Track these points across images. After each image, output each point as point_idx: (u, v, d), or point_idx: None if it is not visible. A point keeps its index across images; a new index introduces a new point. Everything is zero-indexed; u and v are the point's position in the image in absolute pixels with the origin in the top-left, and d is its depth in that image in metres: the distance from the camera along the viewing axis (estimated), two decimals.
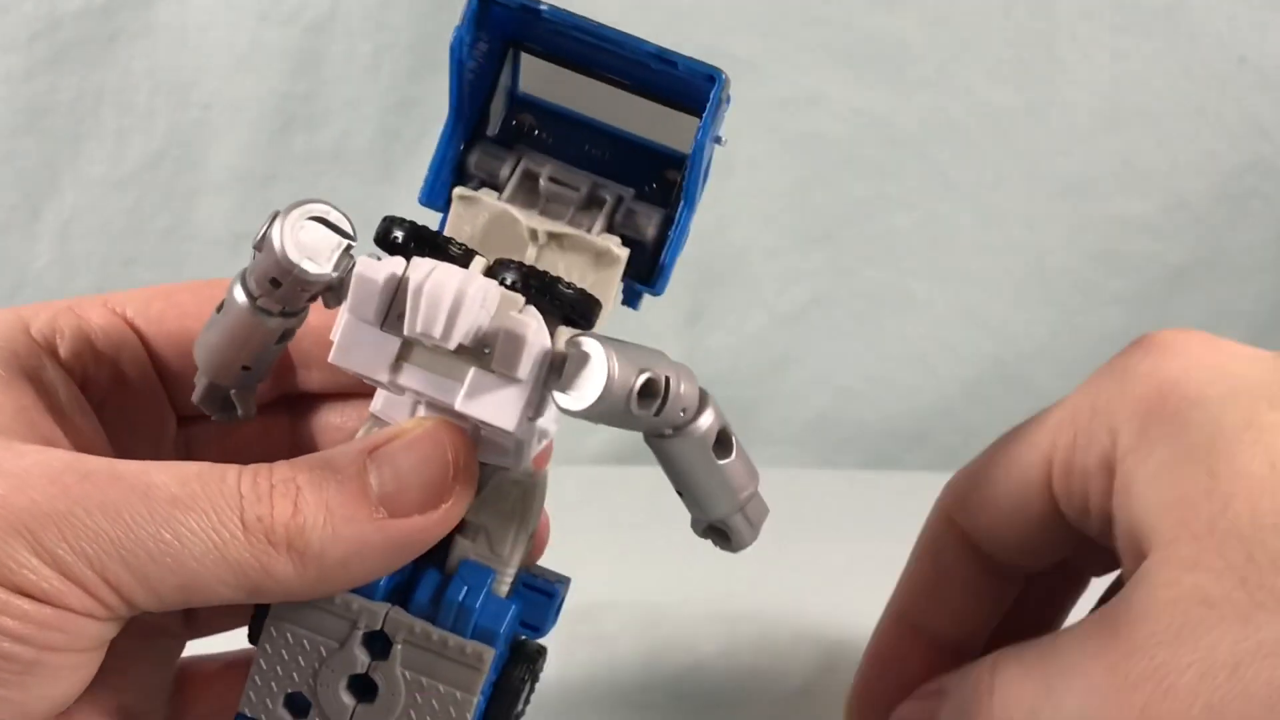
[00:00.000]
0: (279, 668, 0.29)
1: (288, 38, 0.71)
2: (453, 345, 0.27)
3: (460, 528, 0.30)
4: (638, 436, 0.30)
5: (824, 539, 0.59)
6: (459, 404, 0.28)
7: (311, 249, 0.28)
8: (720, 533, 0.32)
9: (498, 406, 0.28)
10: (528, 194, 0.31)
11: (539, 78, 0.32)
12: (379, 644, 0.29)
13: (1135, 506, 0.32)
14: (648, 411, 0.28)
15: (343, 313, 0.28)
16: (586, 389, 0.27)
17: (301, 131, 0.72)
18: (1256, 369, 0.33)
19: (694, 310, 0.72)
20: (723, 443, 0.30)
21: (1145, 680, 0.29)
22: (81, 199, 0.71)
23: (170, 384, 0.35)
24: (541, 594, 0.32)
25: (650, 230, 0.31)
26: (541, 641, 0.32)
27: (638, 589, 0.53)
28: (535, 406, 0.28)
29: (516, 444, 0.30)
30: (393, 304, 0.28)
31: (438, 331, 0.27)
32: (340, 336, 0.28)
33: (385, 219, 0.28)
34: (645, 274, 0.32)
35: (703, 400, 0.29)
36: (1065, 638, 0.32)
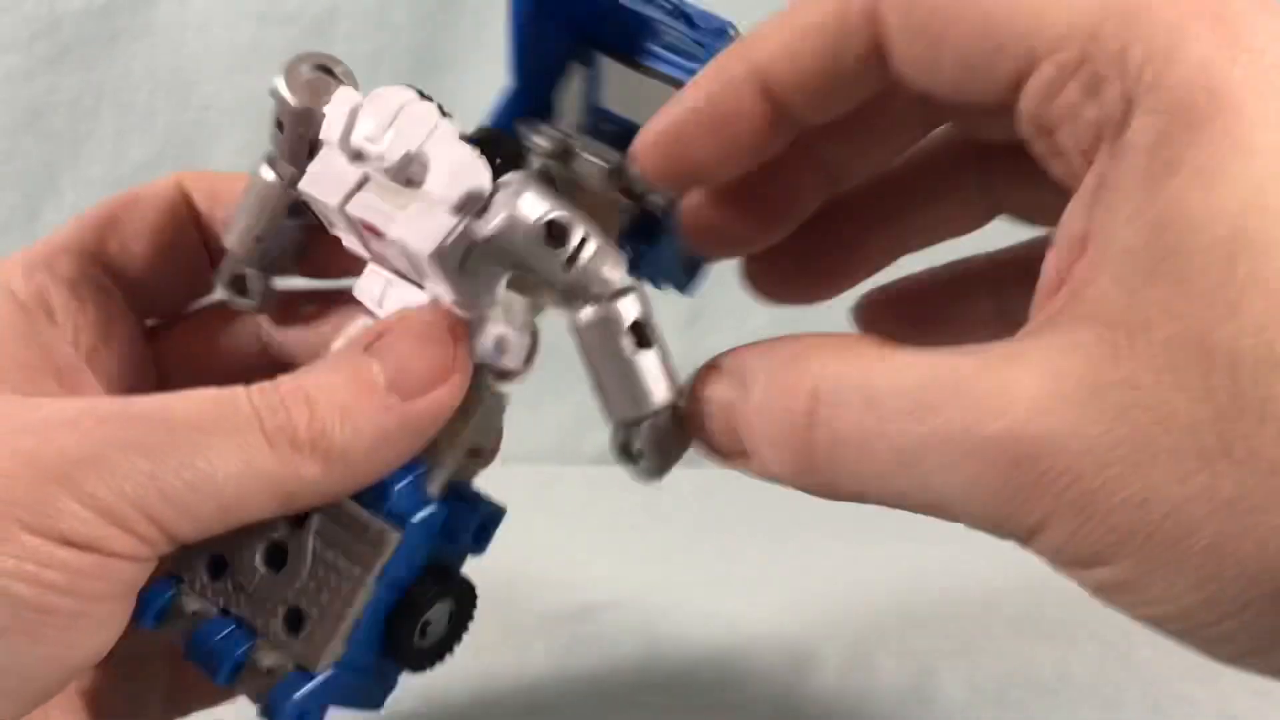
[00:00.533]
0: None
1: (288, 38, 0.71)
2: (391, 156, 0.28)
3: None
4: None
5: (823, 539, 0.59)
6: (391, 229, 0.28)
7: (306, 89, 0.31)
8: (629, 454, 0.30)
9: (422, 233, 0.28)
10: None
11: (615, 89, 0.33)
12: (302, 517, 0.30)
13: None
14: (556, 255, 0.28)
15: (322, 141, 0.30)
16: (497, 211, 0.28)
17: None
18: None
19: (694, 310, 0.72)
20: (639, 335, 0.29)
21: None
22: (81, 199, 0.71)
23: (142, 307, 0.36)
24: (466, 504, 0.32)
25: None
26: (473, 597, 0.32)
27: (638, 589, 0.53)
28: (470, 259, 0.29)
29: (496, 343, 0.30)
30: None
31: (373, 130, 0.28)
32: (314, 164, 0.30)
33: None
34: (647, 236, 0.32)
35: (628, 291, 0.29)
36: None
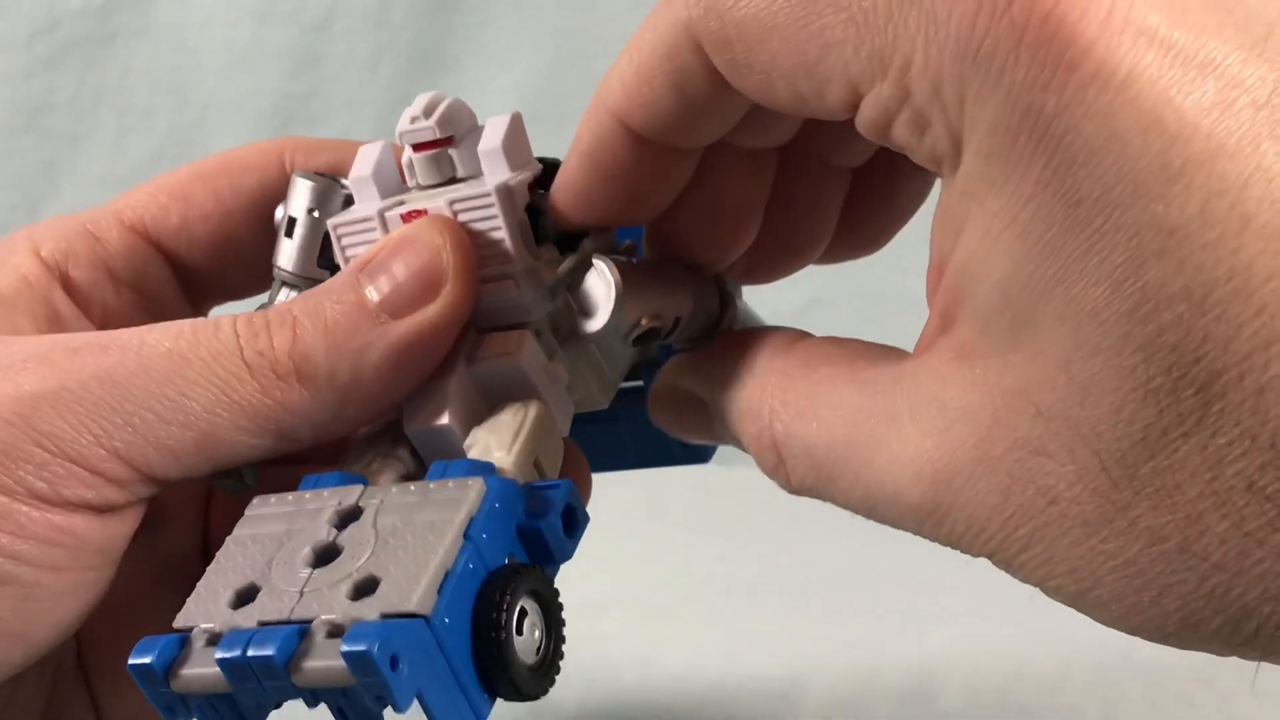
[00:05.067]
0: (230, 572, 0.24)
1: (287, 37, 0.71)
2: (439, 130, 0.29)
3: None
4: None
5: (823, 539, 0.59)
6: (445, 197, 0.28)
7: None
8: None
9: (479, 181, 0.28)
10: None
11: None
12: (350, 519, 0.25)
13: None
14: (640, 346, 0.29)
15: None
16: (597, 312, 0.28)
17: (301, 131, 0.72)
18: None
19: None
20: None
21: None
22: (81, 199, 0.71)
23: (200, 293, 0.33)
24: (547, 489, 0.27)
25: None
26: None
27: (638, 589, 0.53)
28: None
29: (516, 286, 0.28)
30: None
31: (421, 108, 0.29)
32: (344, 213, 0.29)
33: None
34: None
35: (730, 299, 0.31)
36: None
